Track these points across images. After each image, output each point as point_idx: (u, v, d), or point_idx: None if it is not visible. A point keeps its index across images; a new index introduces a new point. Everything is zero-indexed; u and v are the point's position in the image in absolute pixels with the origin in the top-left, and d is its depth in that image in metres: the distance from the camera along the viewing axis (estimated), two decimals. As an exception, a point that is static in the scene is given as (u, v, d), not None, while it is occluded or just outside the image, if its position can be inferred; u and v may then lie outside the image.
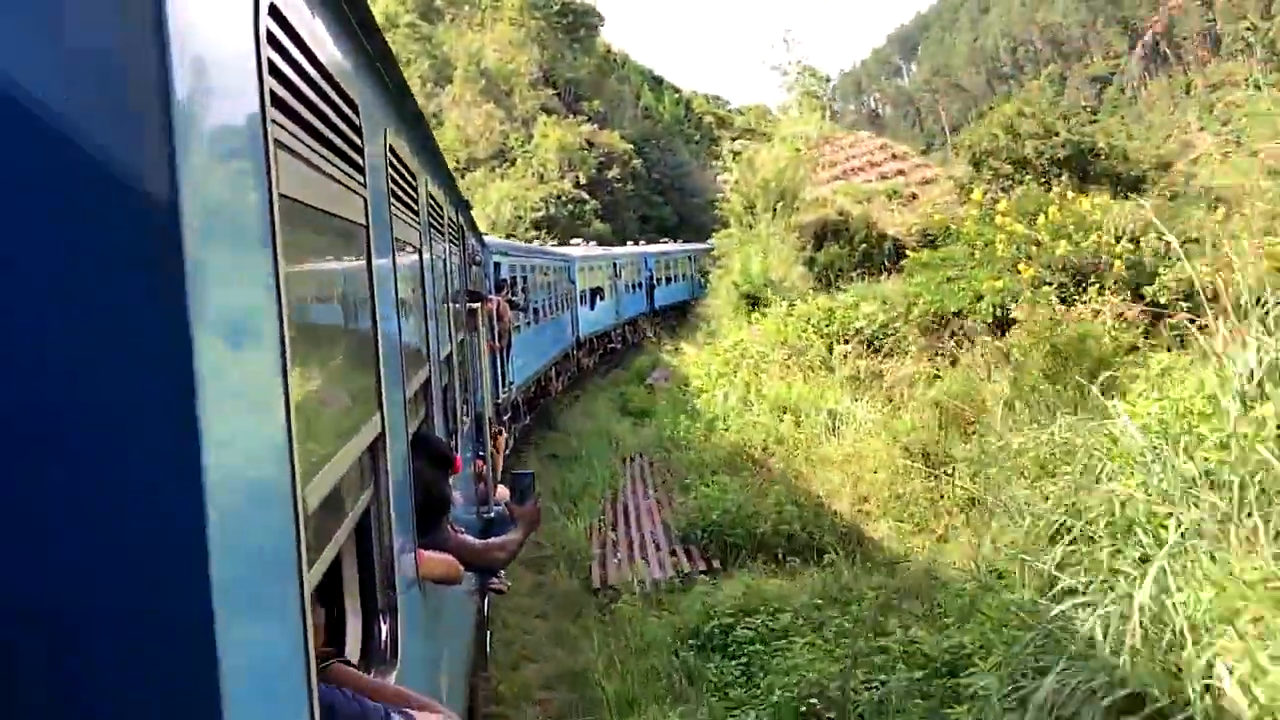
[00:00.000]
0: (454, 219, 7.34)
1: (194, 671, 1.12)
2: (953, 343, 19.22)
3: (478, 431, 7.62)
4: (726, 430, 16.81)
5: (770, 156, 37.12)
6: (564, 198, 46.21)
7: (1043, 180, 25.06)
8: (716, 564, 11.40)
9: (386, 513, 2.75)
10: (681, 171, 62.29)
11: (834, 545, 10.84)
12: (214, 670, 1.11)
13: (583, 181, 48.69)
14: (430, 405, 4.57)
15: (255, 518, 1.36)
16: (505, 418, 14.31)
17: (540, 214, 44.60)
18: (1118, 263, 18.02)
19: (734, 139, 65.01)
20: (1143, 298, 16.50)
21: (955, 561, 9.58)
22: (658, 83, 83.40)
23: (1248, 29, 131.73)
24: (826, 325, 20.37)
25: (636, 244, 42.56)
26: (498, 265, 15.87)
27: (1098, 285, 17.39)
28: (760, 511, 11.79)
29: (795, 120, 43.54)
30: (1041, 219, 20.09)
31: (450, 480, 4.26)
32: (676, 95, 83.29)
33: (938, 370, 16.43)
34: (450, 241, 6.73)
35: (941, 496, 11.70)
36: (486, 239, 15.04)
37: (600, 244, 36.04)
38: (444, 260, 6.05)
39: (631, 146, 53.60)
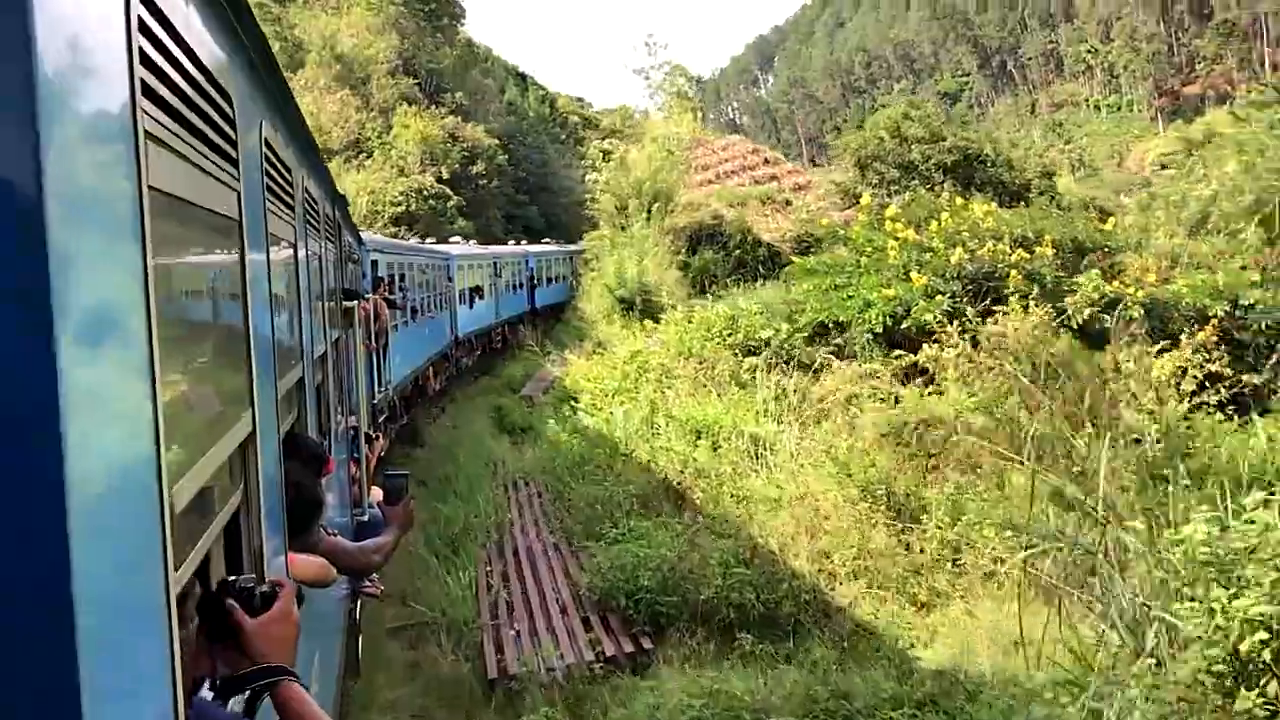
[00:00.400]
0: (330, 215, 7.12)
1: (55, 679, 1.09)
2: (834, 355, 17.99)
3: (353, 432, 7.46)
4: (630, 456, 14.59)
5: (643, 157, 35.83)
6: (425, 192, 43.83)
7: (929, 186, 24.48)
8: (647, 642, 9.28)
9: (256, 514, 2.70)
10: (548, 170, 60.37)
11: (806, 623, 9.06)
12: (74, 677, 1.09)
13: (445, 176, 46.31)
14: (303, 405, 4.52)
15: (119, 518, 1.35)
16: (382, 418, 13.87)
17: (400, 209, 42.09)
18: (1014, 273, 17.26)
19: (602, 139, 63.67)
20: (1063, 310, 15.72)
21: (955, 645, 8.08)
22: (522, 79, 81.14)
23: (1088, 51, 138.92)
24: (728, 335, 18.89)
25: (504, 243, 40.83)
26: (375, 263, 15.41)
27: (1010, 295, 16.49)
28: (701, 573, 9.64)
29: (666, 121, 42.49)
30: (934, 225, 19.19)
31: (323, 481, 4.24)
32: (542, 93, 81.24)
33: (878, 390, 14.75)
34: (327, 238, 6.55)
35: (919, 549, 9.89)
36: (364, 235, 14.68)
37: (467, 241, 34.23)
38: (320, 257, 5.89)
39: (497, 142, 51.32)
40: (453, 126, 48.96)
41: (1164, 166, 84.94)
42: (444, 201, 43.92)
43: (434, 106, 50.79)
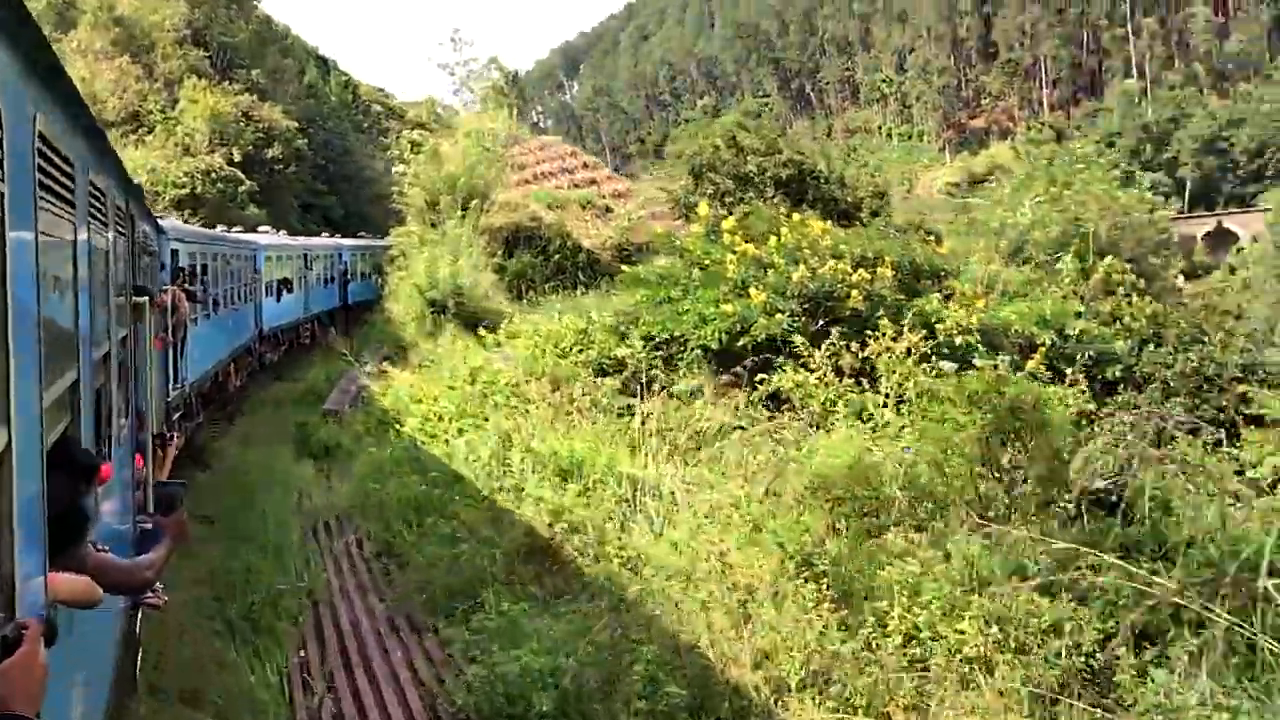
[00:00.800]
0: (121, 206, 6.82)
1: None
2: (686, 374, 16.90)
3: (139, 435, 7.26)
4: (483, 502, 11.83)
5: (457, 151, 33.91)
6: (214, 174, 40.14)
7: (762, 199, 23.82)
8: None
9: (8, 538, 2.53)
10: (350, 159, 56.99)
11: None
12: None
13: (237, 158, 42.62)
14: (78, 410, 4.31)
15: None
16: (177, 416, 13.28)
17: (184, 191, 38.35)
18: (855, 293, 16.69)
19: (410, 129, 60.88)
20: (933, 334, 15.12)
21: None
22: (323, 63, 76.79)
23: (883, 81, 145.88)
24: (579, 351, 17.36)
25: (300, 233, 38.03)
26: (175, 252, 14.48)
27: (848, 316, 15.81)
28: (616, 685, 7.22)
29: (480, 116, 40.68)
30: (773, 241, 18.42)
31: (100, 490, 4.22)
32: (345, 78, 77.11)
33: (780, 431, 12.66)
34: (116, 231, 6.33)
35: (875, 645, 7.59)
36: (165, 223, 14.02)
37: (277, 232, 32.56)
38: (106, 252, 5.69)
39: (296, 125, 47.80)
40: (247, 105, 45.25)
41: (949, 194, 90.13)
42: (235, 185, 40.36)
43: (227, 83, 46.73)
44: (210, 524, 11.24)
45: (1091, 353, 17.46)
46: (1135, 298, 21.59)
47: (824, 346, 14.40)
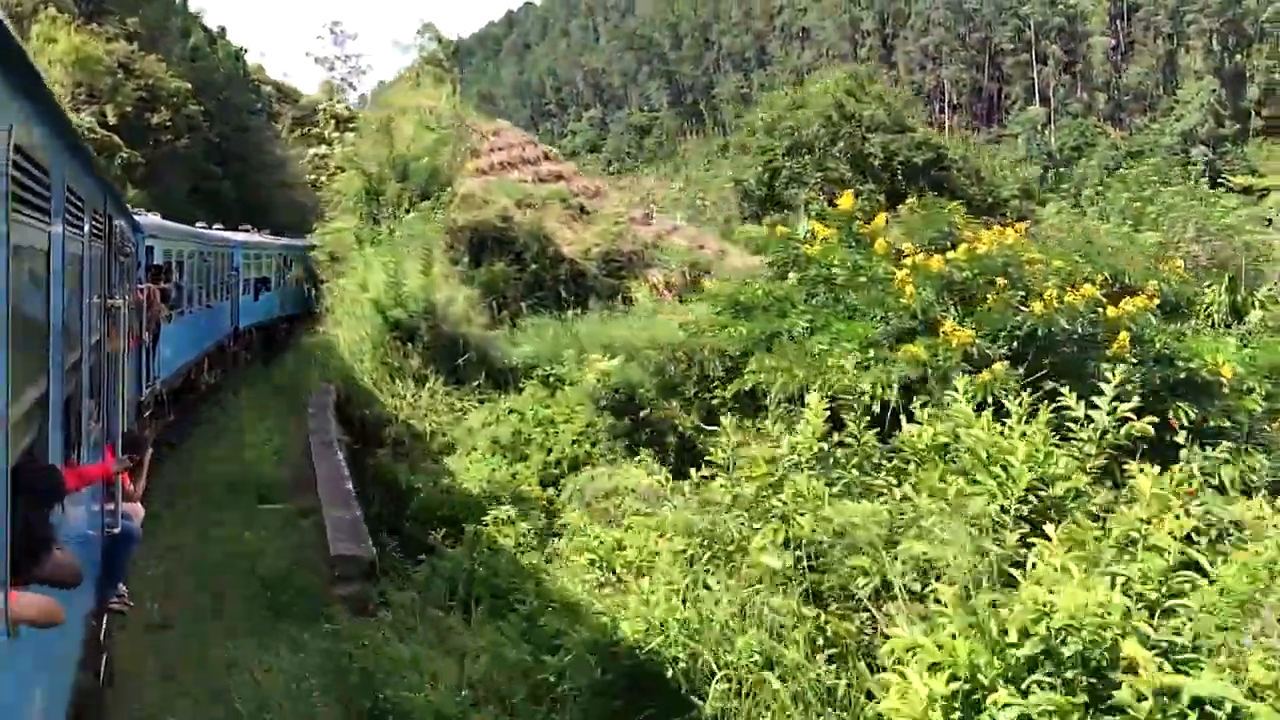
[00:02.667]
0: (99, 210, 6.97)
1: None
2: None
3: (109, 440, 7.45)
4: None
5: (411, 124, 26.80)
6: (82, 137, 31.56)
7: (889, 189, 17.22)
8: None
9: None
10: (246, 139, 48.05)
11: None
12: None
13: (113, 121, 33.96)
14: (46, 421, 4.42)
15: None
16: (147, 414, 13.01)
17: (39, 157, 29.82)
18: (1123, 334, 10.72)
19: (304, 115, 52.72)
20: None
21: None
22: (209, 32, 67.12)
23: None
24: None
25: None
26: (151, 249, 14.20)
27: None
28: None
29: (416, 91, 34.10)
30: (963, 249, 12.11)
31: (65, 500, 4.48)
32: (234, 49, 67.38)
33: None
34: (93, 235, 6.47)
35: None
36: (141, 219, 13.56)
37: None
38: (83, 258, 5.88)
39: (188, 88, 39.10)
40: (125, 55, 36.60)
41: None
42: (110, 156, 31.79)
43: (95, 24, 37.64)
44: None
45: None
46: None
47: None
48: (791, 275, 14.42)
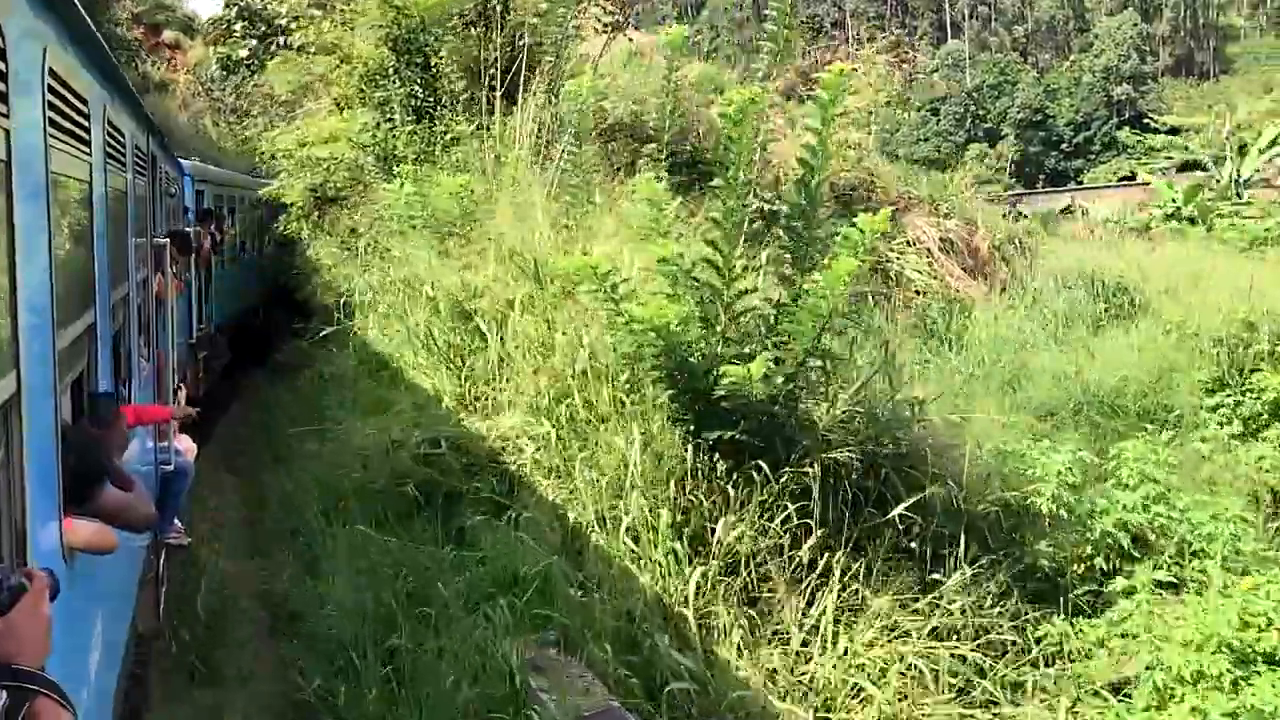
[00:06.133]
0: (142, 147, 6.73)
1: None
2: None
3: (160, 376, 7.49)
4: None
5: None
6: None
7: None
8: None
9: (18, 483, 2.53)
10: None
11: None
12: None
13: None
14: (94, 354, 4.35)
15: None
16: (202, 355, 12.64)
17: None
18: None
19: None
20: None
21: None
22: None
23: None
24: None
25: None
26: (200, 194, 13.90)
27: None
28: None
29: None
30: None
31: (126, 434, 4.53)
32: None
33: None
34: (136, 173, 6.30)
35: None
36: (186, 164, 12.81)
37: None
38: (126, 193, 5.71)
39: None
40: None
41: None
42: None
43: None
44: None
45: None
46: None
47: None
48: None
